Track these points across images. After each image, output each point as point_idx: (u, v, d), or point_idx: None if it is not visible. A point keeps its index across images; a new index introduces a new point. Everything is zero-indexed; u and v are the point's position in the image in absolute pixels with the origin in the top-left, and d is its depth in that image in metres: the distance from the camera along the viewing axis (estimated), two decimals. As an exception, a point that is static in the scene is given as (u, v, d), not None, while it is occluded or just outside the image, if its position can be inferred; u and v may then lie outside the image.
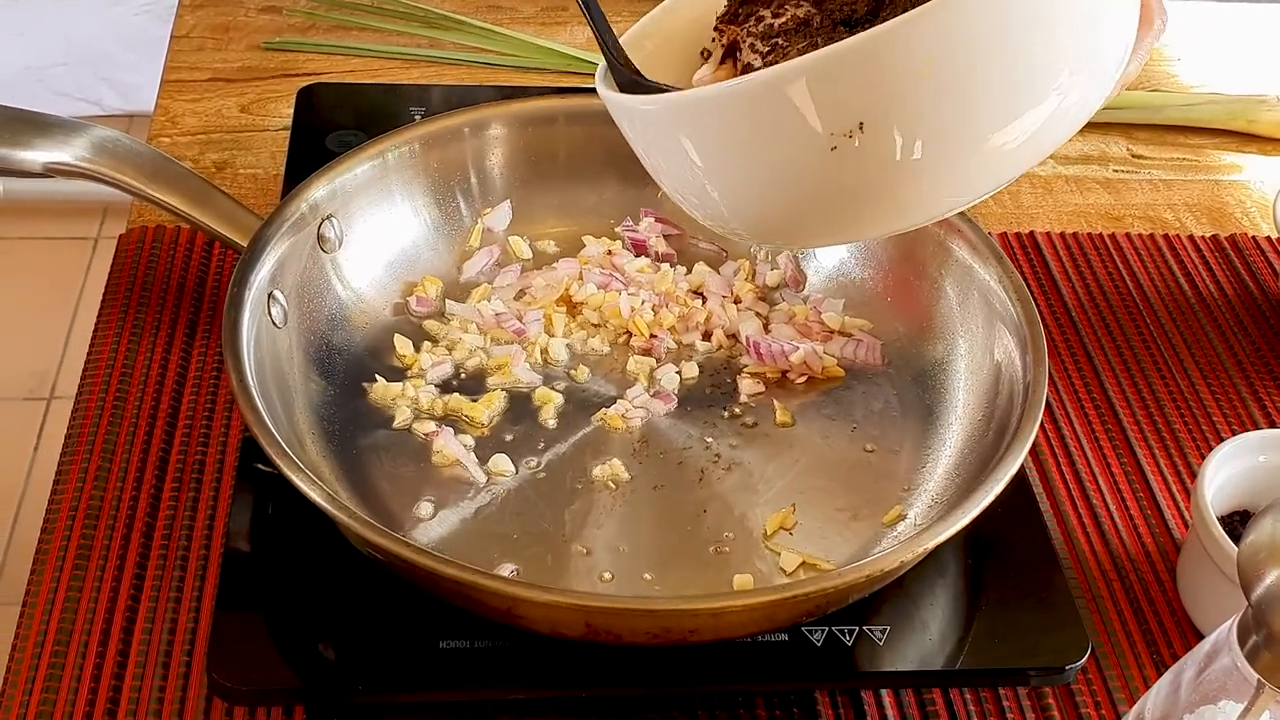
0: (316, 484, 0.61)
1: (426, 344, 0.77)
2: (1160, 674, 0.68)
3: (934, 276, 0.78)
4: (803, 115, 0.51)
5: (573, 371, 0.77)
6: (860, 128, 0.51)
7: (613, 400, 0.75)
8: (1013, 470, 0.64)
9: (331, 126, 0.91)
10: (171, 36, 1.07)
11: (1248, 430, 0.82)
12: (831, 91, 0.51)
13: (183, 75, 1.04)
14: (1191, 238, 0.96)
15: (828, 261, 0.82)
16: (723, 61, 0.62)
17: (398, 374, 0.76)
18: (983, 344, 0.74)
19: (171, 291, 0.84)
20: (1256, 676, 0.54)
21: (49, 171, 0.74)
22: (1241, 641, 0.56)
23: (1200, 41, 1.18)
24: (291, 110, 0.99)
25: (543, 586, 0.61)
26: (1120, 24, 0.55)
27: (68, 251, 2.20)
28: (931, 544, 0.61)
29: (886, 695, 0.66)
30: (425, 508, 0.69)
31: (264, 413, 0.65)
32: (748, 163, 0.55)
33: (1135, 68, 0.59)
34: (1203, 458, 0.79)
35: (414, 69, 1.05)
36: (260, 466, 0.70)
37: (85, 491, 0.73)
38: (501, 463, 0.71)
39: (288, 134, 0.97)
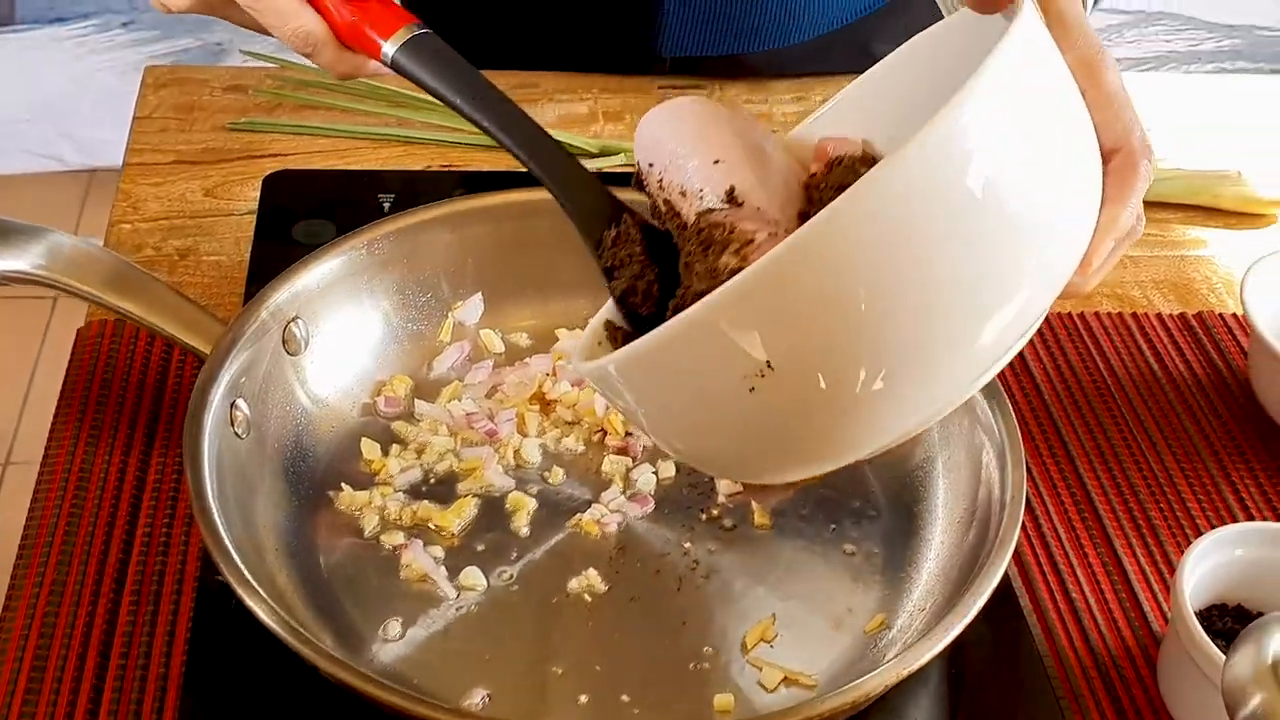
0: (276, 612, 0.59)
1: (395, 448, 0.74)
2: (1146, 781, 0.66)
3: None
4: (706, 365, 0.50)
5: (546, 474, 0.73)
6: (768, 365, 0.49)
7: (588, 504, 0.72)
8: (995, 580, 0.62)
9: (299, 214, 0.88)
10: (134, 118, 1.04)
11: (1224, 520, 0.80)
12: (719, 341, 0.49)
13: (145, 157, 1.00)
14: (1159, 316, 0.94)
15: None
16: None
17: (366, 480, 0.72)
18: (961, 444, 0.72)
19: (131, 389, 0.81)
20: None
21: (4, 280, 0.70)
22: (1231, 765, 0.55)
23: (1163, 116, 1.16)
24: (256, 194, 0.96)
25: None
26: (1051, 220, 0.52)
27: (26, 310, 2.15)
28: (917, 665, 0.59)
29: (872, 814, 0.63)
30: (393, 627, 0.66)
31: (223, 532, 0.62)
32: (683, 413, 0.54)
33: (1094, 281, 0.57)
34: (1180, 548, 0.78)
35: (383, 149, 1.02)
36: (221, 579, 0.67)
37: (39, 606, 0.69)
38: (473, 576, 0.68)
39: (253, 219, 0.94)
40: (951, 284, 0.48)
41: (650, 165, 0.61)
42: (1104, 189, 0.56)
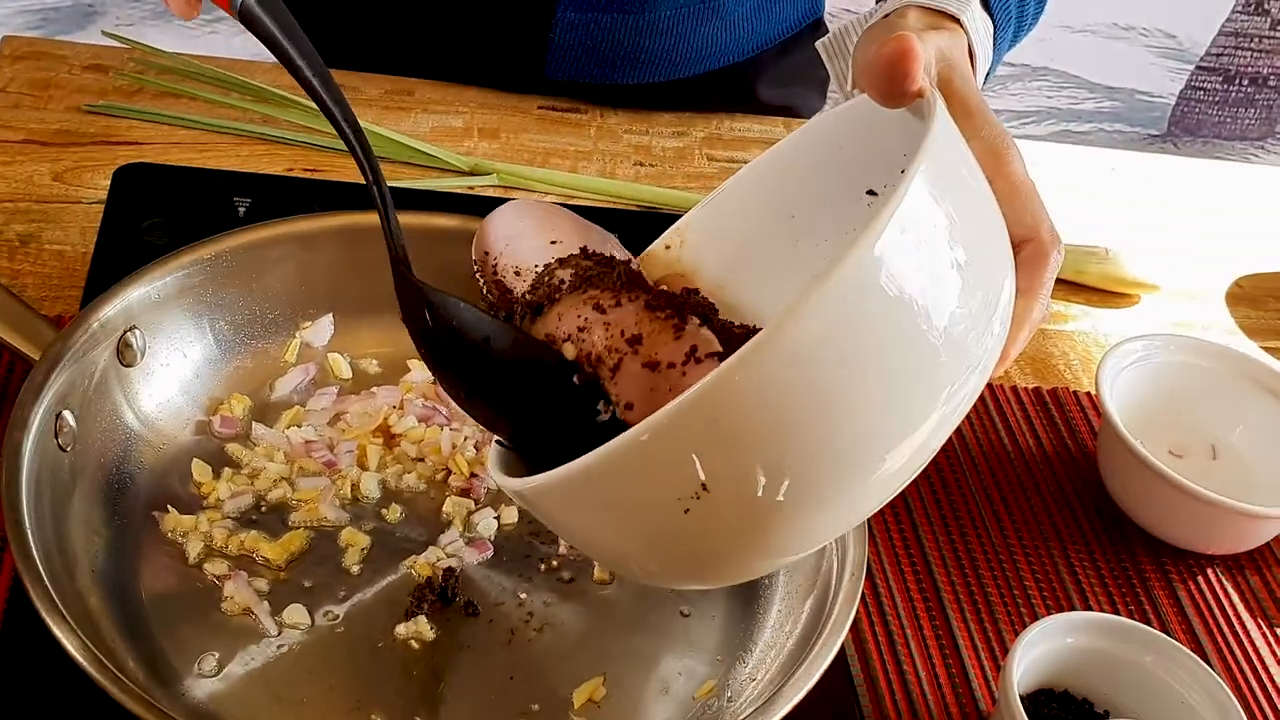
0: (79, 638, 0.56)
1: (227, 471, 0.71)
2: None
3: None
4: (645, 486, 0.50)
5: (384, 510, 0.72)
6: (703, 488, 0.49)
7: (424, 546, 0.70)
8: (828, 660, 0.62)
9: (149, 211, 0.85)
10: (-15, 89, 1.00)
11: (1060, 603, 0.81)
12: (662, 462, 0.49)
13: (-7, 134, 0.96)
14: (1015, 389, 0.96)
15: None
16: None
17: (194, 503, 0.70)
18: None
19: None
20: None
21: None
22: None
23: (1037, 183, 1.19)
24: (107, 182, 0.93)
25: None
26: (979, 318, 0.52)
27: None
28: (739, 747, 0.58)
29: None
30: (209, 661, 0.63)
31: (34, 549, 0.59)
32: (614, 530, 0.54)
33: (1007, 364, 0.58)
34: (1014, 628, 0.79)
35: (244, 146, 0.99)
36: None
37: None
38: (297, 613, 0.66)
39: (100, 209, 0.91)
40: (879, 412, 0.49)
41: (486, 253, 0.62)
42: (1017, 279, 0.56)
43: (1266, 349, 1.06)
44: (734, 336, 0.58)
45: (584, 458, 0.50)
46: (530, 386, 0.58)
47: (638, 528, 0.52)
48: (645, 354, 0.57)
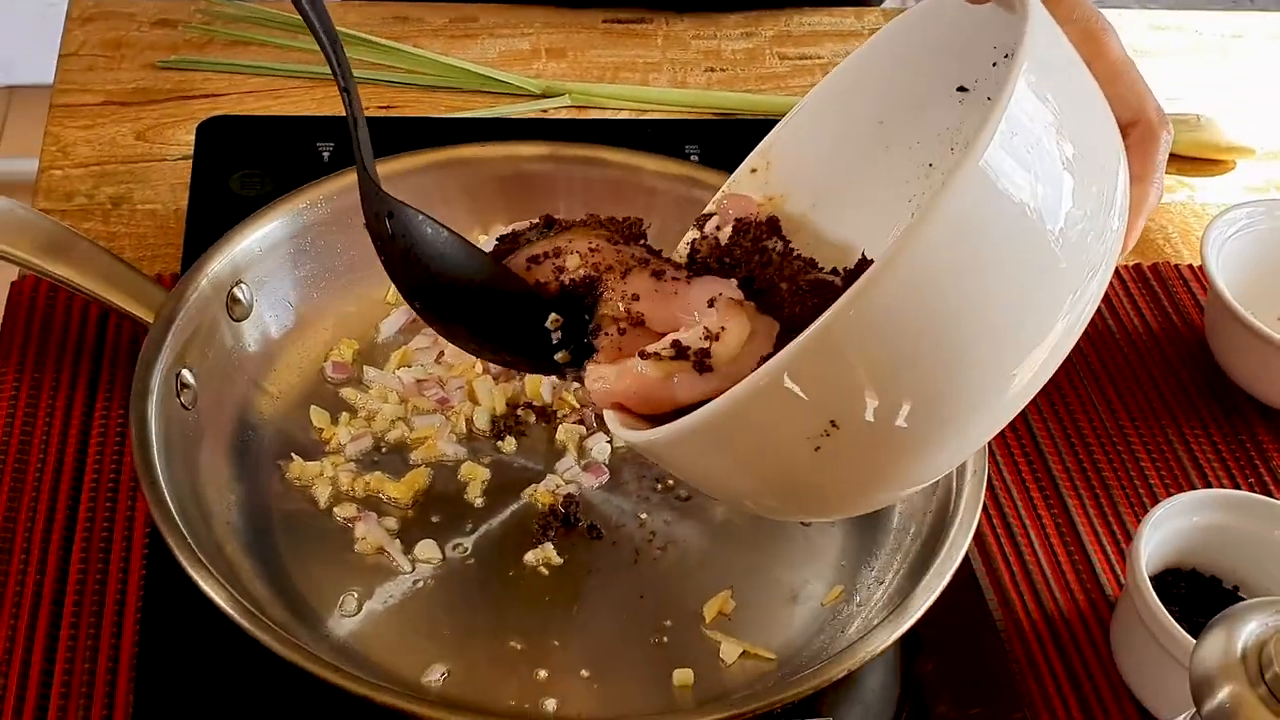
0: (225, 589, 0.59)
1: (344, 415, 0.73)
2: (1099, 747, 0.68)
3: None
4: (771, 430, 0.51)
5: (499, 443, 0.73)
6: (833, 425, 0.49)
7: (542, 475, 0.72)
8: (958, 560, 0.63)
9: (236, 164, 0.86)
10: (59, 54, 1.01)
11: (1179, 482, 0.81)
12: (785, 404, 0.49)
13: (72, 98, 0.97)
14: (1117, 267, 0.95)
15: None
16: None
17: (315, 449, 0.72)
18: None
19: (70, 346, 0.80)
20: (1204, 778, 0.55)
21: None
22: (1192, 743, 0.56)
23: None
24: (189, 137, 0.94)
25: (476, 710, 0.58)
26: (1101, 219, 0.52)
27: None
28: (882, 647, 0.59)
29: (831, 788, 0.65)
30: (349, 602, 0.66)
31: (172, 508, 0.61)
32: (743, 474, 0.55)
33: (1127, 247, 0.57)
34: (1134, 512, 0.79)
35: (318, 88, 1.00)
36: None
37: (-14, 572, 0.69)
38: (428, 549, 0.68)
39: (186, 164, 0.92)
40: (1004, 329, 0.49)
41: None
42: (1129, 164, 0.56)
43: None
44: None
45: (711, 405, 0.51)
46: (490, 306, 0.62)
47: (767, 469, 0.53)
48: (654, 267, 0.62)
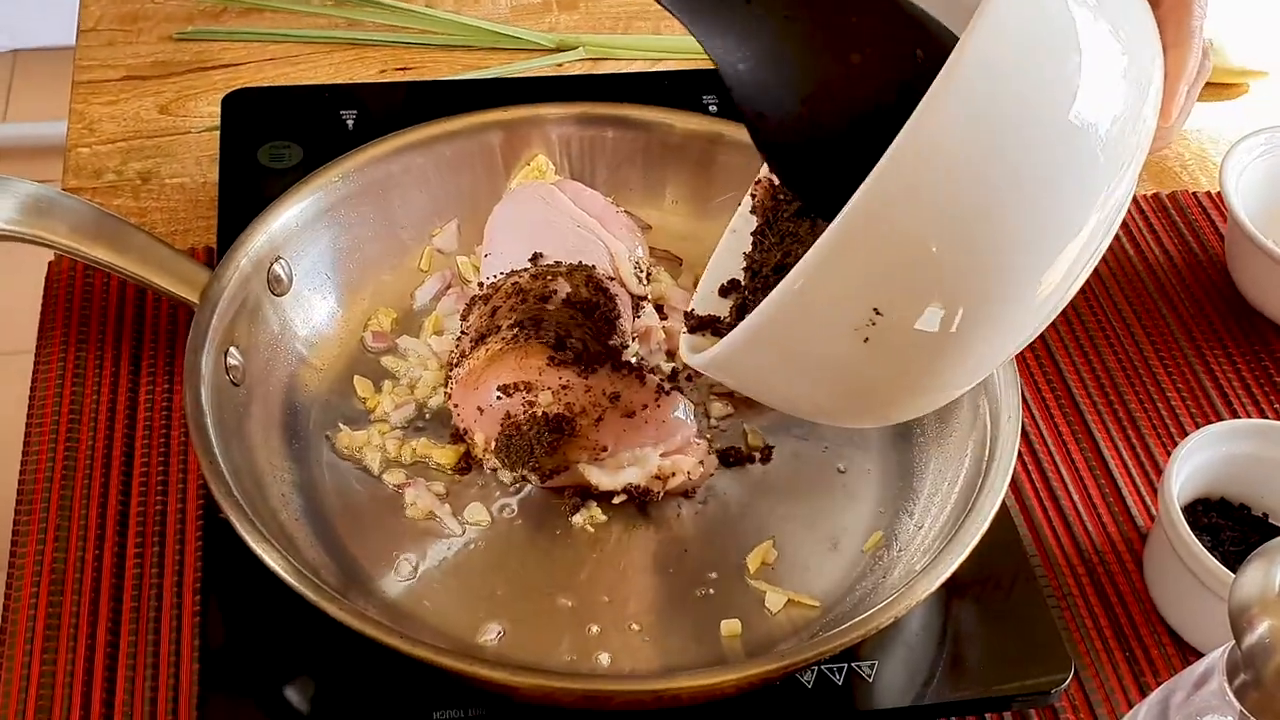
0: (284, 557, 0.60)
1: (387, 384, 0.75)
2: (1135, 679, 0.70)
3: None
4: (819, 326, 0.52)
5: (539, 404, 0.75)
6: (876, 312, 0.50)
7: (581, 433, 0.73)
8: (997, 504, 0.64)
9: (262, 136, 0.86)
10: (77, 30, 1.02)
11: (1205, 412, 0.82)
12: (827, 298, 0.51)
13: (94, 74, 0.98)
14: (1135, 197, 0.96)
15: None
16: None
17: (361, 417, 0.74)
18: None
19: (110, 324, 0.81)
20: (1241, 709, 0.56)
21: (-25, 237, 0.70)
22: (1230, 676, 0.57)
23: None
24: (212, 108, 0.95)
25: (534, 669, 0.60)
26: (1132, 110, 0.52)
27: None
28: (925, 593, 0.61)
29: (878, 729, 0.67)
30: (404, 566, 0.67)
31: (234, 488, 0.63)
32: (804, 379, 0.56)
33: (1178, 129, 0.58)
34: (1162, 443, 0.81)
35: (335, 53, 1.01)
36: (221, 518, 0.67)
37: (47, 554, 0.70)
38: (477, 512, 0.69)
39: (211, 136, 0.93)
40: (1032, 216, 0.49)
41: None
42: (1161, 35, 0.55)
43: (1388, 123, 1.04)
44: None
45: (757, 309, 0.52)
46: None
47: (824, 368, 0.54)
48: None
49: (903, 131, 0.48)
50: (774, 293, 0.51)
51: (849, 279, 0.50)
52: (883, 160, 0.48)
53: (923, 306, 0.50)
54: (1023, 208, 0.49)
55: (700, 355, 0.57)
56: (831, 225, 0.49)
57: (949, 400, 0.59)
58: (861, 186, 0.48)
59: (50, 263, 0.84)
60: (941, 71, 0.48)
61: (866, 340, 0.51)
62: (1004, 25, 0.48)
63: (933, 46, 0.56)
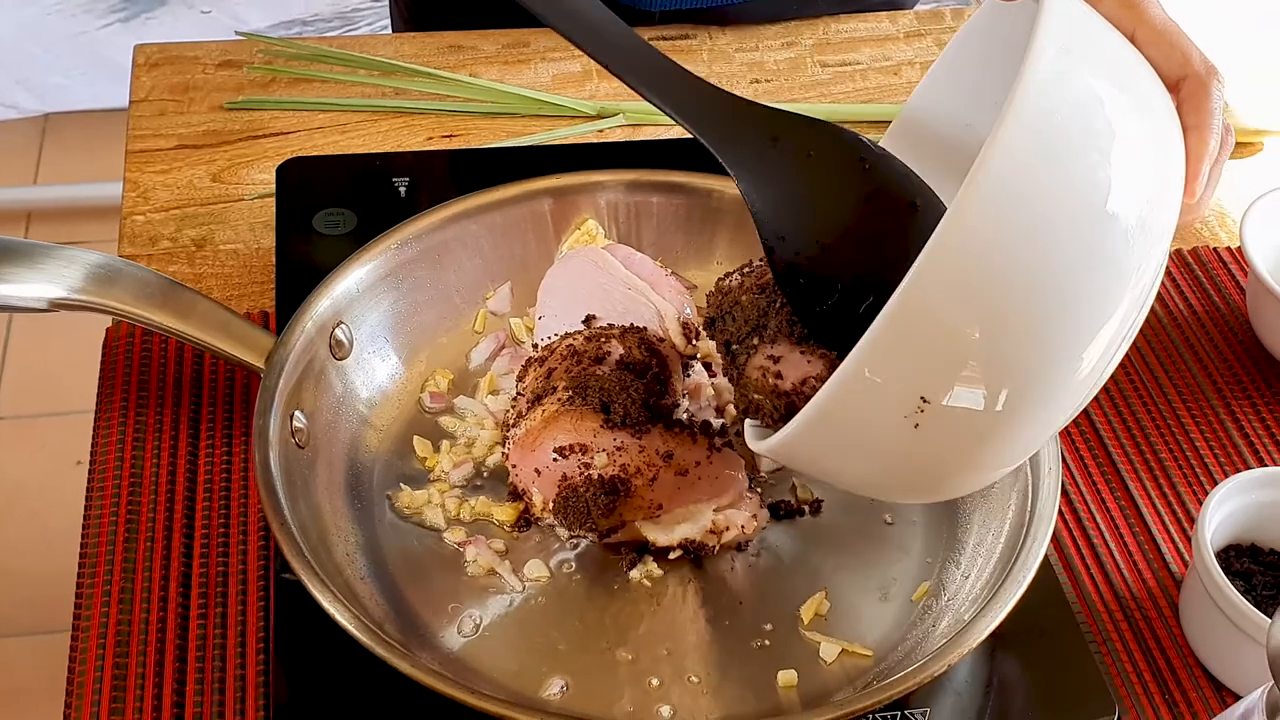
0: (351, 612, 0.62)
1: (445, 443, 0.76)
2: (1170, 712, 0.71)
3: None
4: (872, 412, 0.54)
5: (593, 463, 0.76)
6: (924, 400, 0.52)
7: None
8: (1041, 554, 0.66)
9: (317, 203, 0.88)
10: (130, 101, 1.04)
11: (1233, 460, 0.84)
12: (876, 386, 0.53)
13: (147, 144, 1.00)
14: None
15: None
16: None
17: (421, 477, 0.75)
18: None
19: (169, 387, 0.82)
20: (1285, 747, 0.57)
21: (56, 306, 0.71)
22: (1270, 716, 0.58)
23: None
24: (264, 175, 0.97)
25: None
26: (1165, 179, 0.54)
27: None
28: (975, 641, 0.62)
29: (931, 775, 0.68)
30: (467, 623, 0.68)
31: (303, 547, 0.64)
32: (862, 462, 0.58)
33: (1205, 205, 0.60)
34: (1193, 491, 0.82)
35: (382, 120, 1.03)
36: (287, 576, 0.69)
37: (111, 615, 0.71)
38: (536, 568, 0.71)
39: (263, 203, 0.95)
40: (1068, 300, 0.51)
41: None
42: (1182, 118, 0.58)
43: (1399, 179, 1.06)
44: None
45: (810, 402, 0.54)
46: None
47: (878, 452, 0.56)
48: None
49: (940, 225, 0.50)
50: (826, 384, 0.53)
51: (896, 369, 0.52)
52: (923, 254, 0.50)
53: (967, 392, 0.52)
54: (1057, 293, 0.51)
55: (761, 444, 0.59)
56: (878, 317, 0.51)
57: (999, 477, 0.61)
58: (904, 279, 0.51)
59: (109, 328, 0.86)
60: (975, 163, 0.50)
61: (917, 426, 0.53)
62: (1031, 116, 0.51)
63: (927, 195, 0.61)
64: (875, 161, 0.62)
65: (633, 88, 0.62)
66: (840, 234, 0.61)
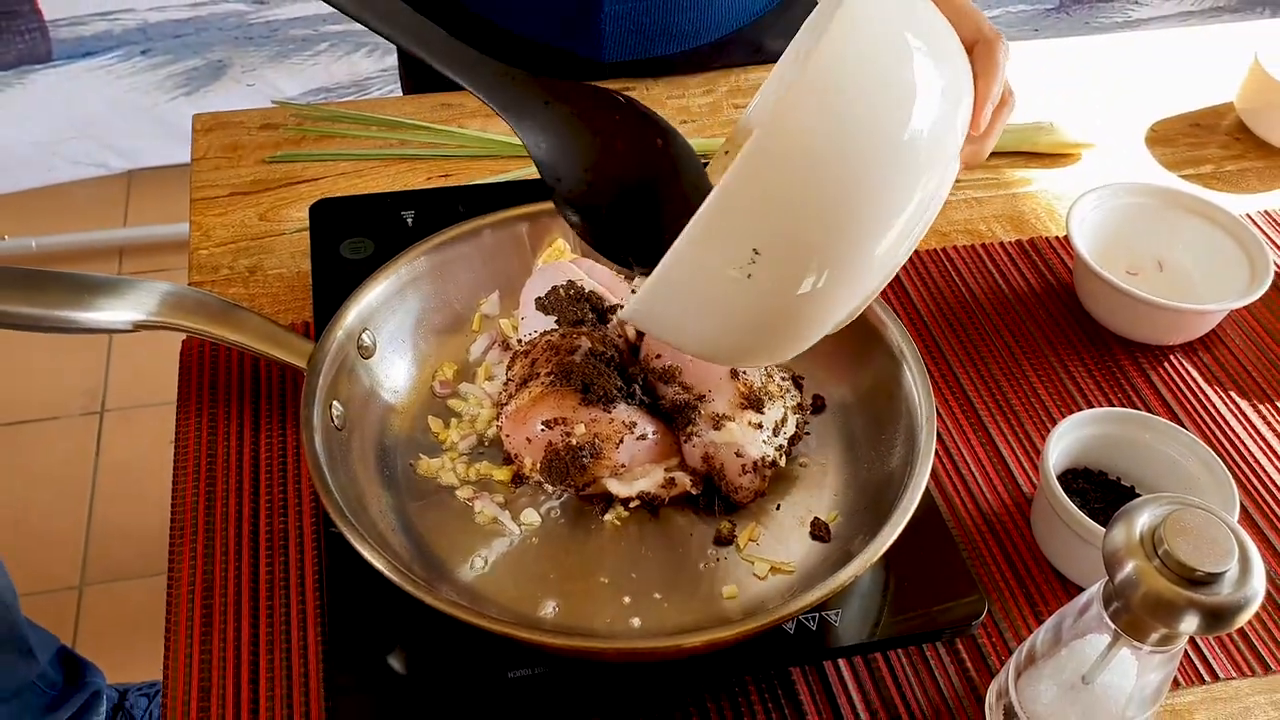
0: (384, 557, 0.60)
1: (454, 421, 0.75)
2: (1032, 610, 0.71)
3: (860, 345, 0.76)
4: (711, 268, 0.51)
5: (569, 430, 0.75)
6: (755, 252, 0.50)
7: (602, 450, 0.74)
8: (924, 482, 0.65)
9: (342, 234, 0.86)
10: (192, 159, 1.01)
11: (1068, 403, 0.84)
12: (716, 240, 0.50)
13: (206, 193, 0.98)
14: (1002, 244, 0.97)
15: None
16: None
17: (436, 448, 0.73)
18: (885, 376, 0.74)
19: (235, 387, 0.81)
20: (1115, 628, 0.57)
21: (138, 327, 0.69)
22: (1106, 604, 0.58)
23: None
24: (300, 214, 0.95)
25: (586, 634, 0.61)
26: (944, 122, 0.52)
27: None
28: (875, 557, 0.61)
29: (843, 662, 0.67)
30: (477, 561, 0.67)
31: (345, 509, 0.63)
32: (703, 318, 0.54)
33: (988, 146, 0.59)
34: (1038, 428, 0.81)
35: (390, 166, 1.01)
36: (333, 531, 0.67)
37: (199, 568, 0.70)
38: (529, 515, 0.70)
39: (301, 236, 0.93)
40: (872, 170, 0.49)
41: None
42: (974, 70, 0.57)
43: (1184, 177, 1.06)
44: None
45: (659, 264, 0.52)
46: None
47: (720, 305, 0.52)
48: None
49: (772, 113, 0.48)
50: (673, 245, 0.50)
51: (733, 228, 0.49)
52: (753, 137, 0.48)
53: (791, 245, 0.50)
54: (863, 181, 0.49)
55: (624, 311, 0.56)
56: (714, 190, 0.49)
57: (816, 338, 0.56)
58: (740, 154, 0.48)
59: (184, 341, 0.84)
60: (801, 71, 0.48)
61: (749, 277, 0.50)
62: (851, 32, 0.48)
63: (669, 138, 0.61)
64: (625, 111, 0.61)
65: (440, 69, 0.60)
66: (601, 170, 0.61)
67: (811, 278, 0.51)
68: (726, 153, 0.69)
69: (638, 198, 0.60)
